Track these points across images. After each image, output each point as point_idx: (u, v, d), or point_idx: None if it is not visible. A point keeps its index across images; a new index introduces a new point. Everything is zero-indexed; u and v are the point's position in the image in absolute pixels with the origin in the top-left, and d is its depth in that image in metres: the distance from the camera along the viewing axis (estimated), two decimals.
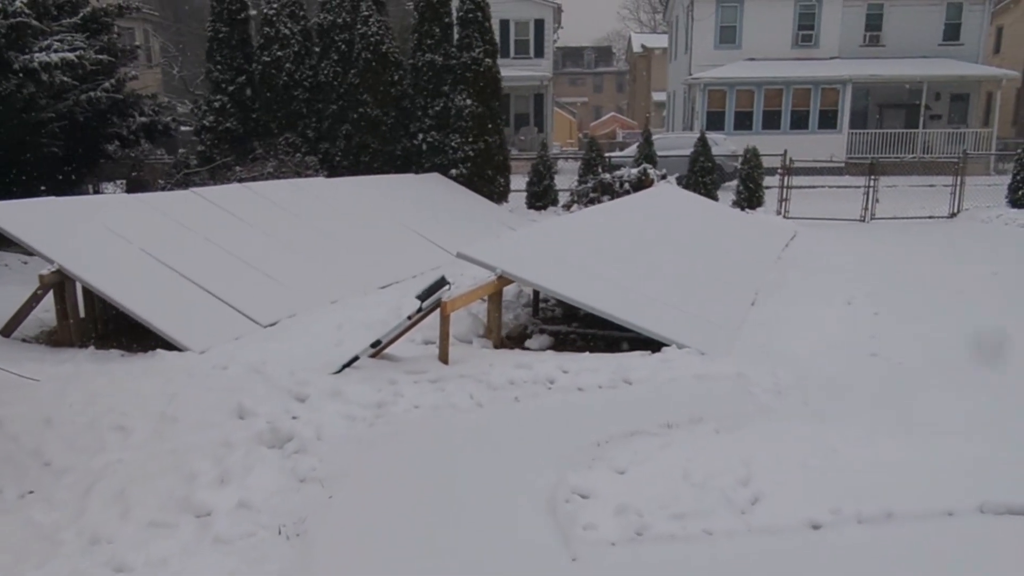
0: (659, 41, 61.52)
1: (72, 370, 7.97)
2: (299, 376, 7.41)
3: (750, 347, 8.47)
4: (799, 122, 35.47)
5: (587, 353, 8.27)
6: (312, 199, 13.77)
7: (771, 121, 35.55)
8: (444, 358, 7.77)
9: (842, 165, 30.84)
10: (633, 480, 5.09)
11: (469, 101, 19.58)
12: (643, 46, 66.72)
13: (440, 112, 20.02)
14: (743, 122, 35.67)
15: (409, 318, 7.63)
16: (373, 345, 7.69)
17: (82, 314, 9.28)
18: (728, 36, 37.10)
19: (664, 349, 8.07)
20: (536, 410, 6.61)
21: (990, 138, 35.19)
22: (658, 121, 59.05)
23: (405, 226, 14.76)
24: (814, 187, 26.66)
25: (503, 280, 8.55)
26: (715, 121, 35.10)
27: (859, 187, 26.08)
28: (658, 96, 59.31)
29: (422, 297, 7.52)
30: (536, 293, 10.15)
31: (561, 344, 8.98)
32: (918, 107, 35.51)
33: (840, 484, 4.84)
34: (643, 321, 8.36)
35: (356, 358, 7.65)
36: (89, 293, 9.12)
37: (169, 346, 8.51)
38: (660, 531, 4.45)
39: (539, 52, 40.16)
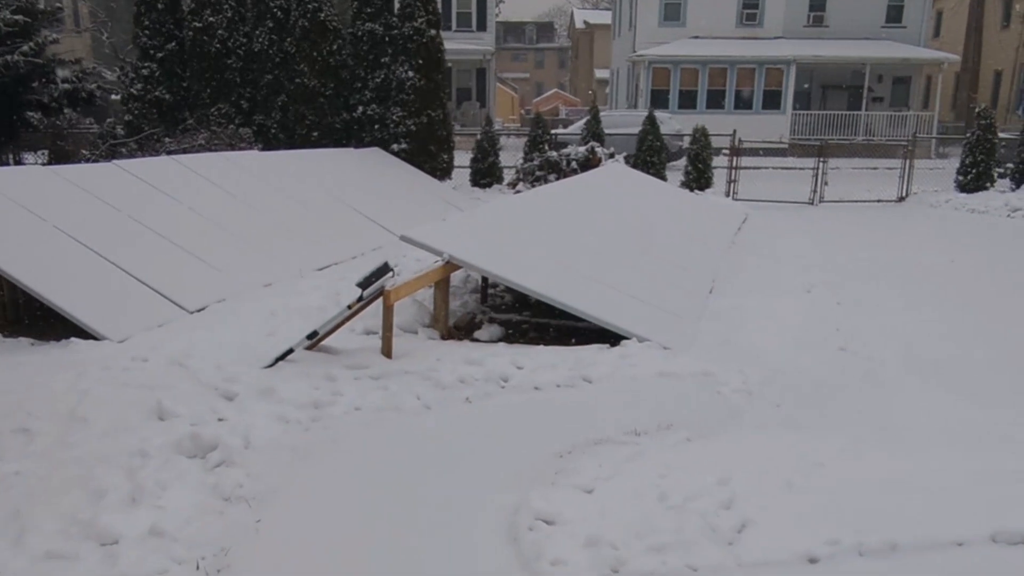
0: (602, 17, 61.01)
1: None
2: (227, 371, 6.73)
3: (712, 341, 7.99)
4: (743, 102, 35.32)
5: (541, 346, 7.71)
6: (245, 174, 12.97)
7: (715, 100, 35.33)
8: (387, 351, 7.14)
9: (786, 146, 30.67)
10: (602, 501, 4.53)
11: (411, 73, 18.79)
12: (586, 22, 66.18)
13: (381, 84, 19.20)
14: (688, 101, 35.36)
15: (349, 307, 6.98)
16: (309, 337, 7.03)
17: None
18: (673, 13, 36.70)
19: (624, 342, 7.55)
20: (490, 413, 6.03)
21: (931, 121, 35.33)
22: (601, 99, 58.56)
23: (345, 204, 14.02)
24: (760, 168, 26.33)
25: (450, 266, 7.94)
26: (660, 99, 34.70)
27: (804, 168, 25.94)
28: (601, 73, 58.83)
29: (363, 285, 6.87)
30: (485, 279, 9.55)
31: (513, 334, 8.41)
32: (861, 89, 35.49)
33: (833, 507, 4.33)
34: (601, 312, 7.81)
35: (291, 351, 6.99)
36: None
37: (85, 335, 7.76)
38: (638, 568, 3.88)
39: (481, 25, 39.28)
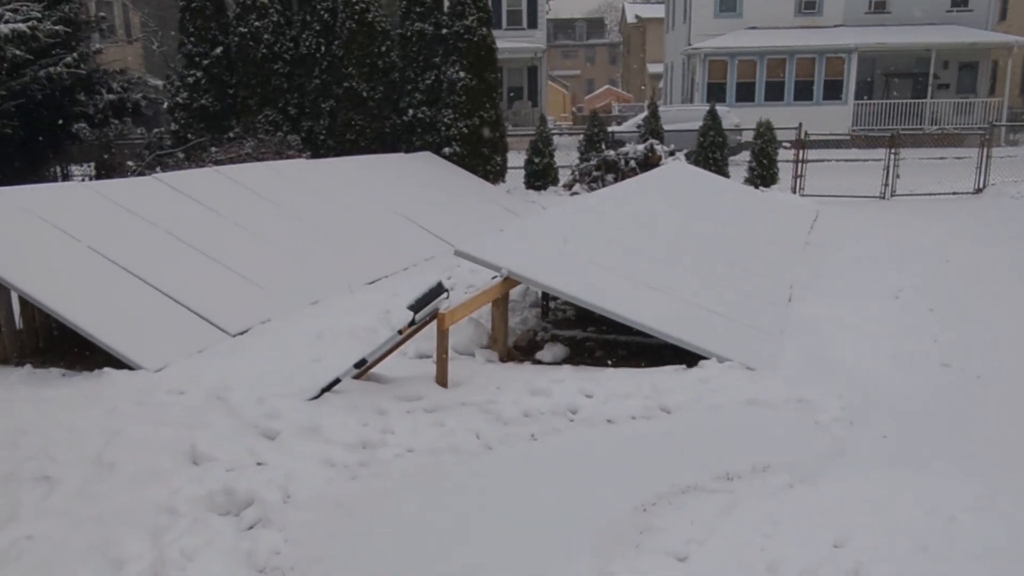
0: (654, 11, 59.97)
1: (0, 396, 6.70)
2: (269, 405, 6.13)
3: (800, 359, 7.23)
4: (803, 93, 34.22)
5: (610, 369, 7.02)
6: (292, 183, 12.43)
7: (774, 92, 34.28)
8: (442, 380, 6.50)
9: (847, 137, 29.58)
10: (700, 573, 3.83)
11: (462, 73, 18.14)
12: (637, 16, 65.24)
13: (431, 86, 18.60)
14: (745, 94, 34.35)
15: (400, 332, 6.34)
16: (357, 365, 6.41)
17: (19, 325, 7.96)
18: (728, 4, 35.74)
19: (702, 363, 6.83)
20: (559, 453, 5.34)
21: (1000, 107, 33.92)
22: (650, 95, 57.56)
23: (395, 212, 13.44)
24: (822, 161, 25.31)
25: (509, 282, 7.28)
26: (716, 93, 33.75)
27: (868, 160, 24.91)
28: (654, 68, 57.85)
29: (415, 307, 6.24)
30: (546, 293, 8.87)
31: (577, 353, 7.72)
32: (926, 76, 34.23)
33: None
34: (676, 329, 7.09)
35: (337, 380, 6.38)
36: (27, 301, 7.79)
37: (120, 364, 7.22)
38: None
39: (532, 23, 38.56)
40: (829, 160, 26.75)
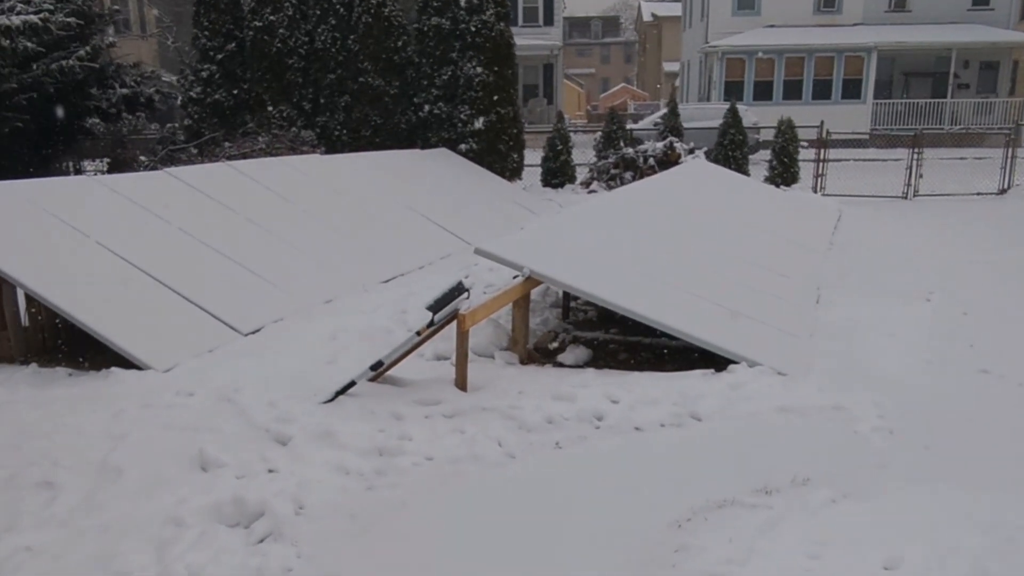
0: (670, 9, 59.53)
1: (4, 397, 6.48)
2: (281, 408, 5.89)
3: (833, 363, 6.94)
4: (822, 92, 33.86)
5: (635, 372, 6.76)
6: (306, 179, 12.19)
7: (792, 91, 33.93)
8: (462, 383, 6.24)
9: (866, 137, 29.17)
10: None
11: (480, 69, 17.87)
12: (653, 15, 64.81)
13: (448, 81, 18.33)
14: (763, 92, 34.00)
15: (418, 334, 6.08)
16: (373, 368, 6.15)
17: (25, 323, 7.73)
18: (747, 2, 35.45)
19: (731, 367, 6.55)
20: (585, 463, 5.07)
21: (1021, 108, 33.44)
22: (669, 92, 57.23)
23: (411, 209, 13.18)
24: (843, 160, 24.96)
25: (531, 282, 7.02)
26: (733, 91, 33.33)
27: (887, 160, 24.54)
28: (670, 67, 57.48)
29: (434, 308, 5.98)
30: (567, 293, 8.60)
31: (600, 355, 7.44)
32: (946, 76, 33.82)
33: None
34: (704, 332, 6.81)
35: (352, 383, 6.12)
36: (33, 298, 7.55)
37: (128, 363, 6.99)
38: None
39: (548, 20, 38.28)
40: (848, 160, 26.43)
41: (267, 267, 9.28)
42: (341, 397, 6.09)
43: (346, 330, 7.89)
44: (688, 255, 8.99)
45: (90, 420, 5.86)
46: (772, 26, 34.75)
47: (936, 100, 33.62)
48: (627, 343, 7.77)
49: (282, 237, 10.16)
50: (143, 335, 7.25)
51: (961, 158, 26.79)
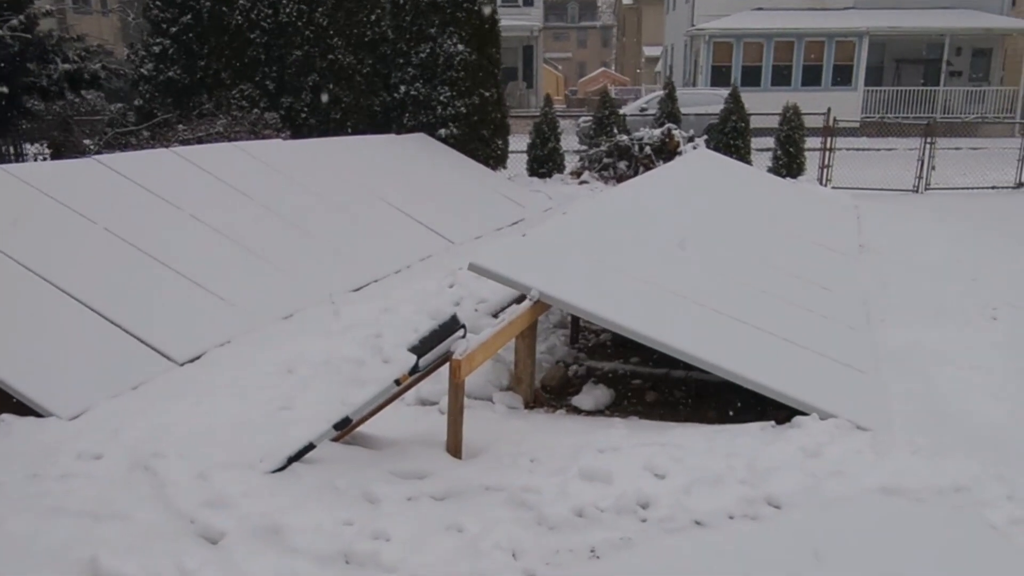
0: None
1: None
2: (214, 483, 4.39)
3: (913, 410, 5.56)
4: (811, 78, 32.58)
5: (674, 424, 5.29)
6: (265, 168, 10.59)
7: (781, 76, 32.65)
8: (455, 448, 4.73)
9: (856, 125, 27.86)
10: None
11: (461, 47, 16.25)
12: None
13: (426, 60, 16.69)
14: (751, 78, 32.61)
15: (397, 382, 4.57)
16: (337, 427, 4.63)
17: None
18: None
19: (797, 419, 5.10)
20: None
21: (1014, 97, 32.34)
22: (650, 77, 55.83)
23: (385, 202, 11.62)
24: (850, 149, 23.68)
25: (540, 306, 5.54)
26: (720, 76, 32.04)
27: (881, 150, 23.38)
28: (650, 51, 56.05)
29: (419, 350, 4.49)
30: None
31: (622, 394, 6.01)
32: (937, 63, 32.63)
33: None
34: (763, 374, 5.33)
35: (311, 447, 4.62)
36: None
37: (25, 409, 5.45)
38: None
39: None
40: (842, 149, 25.18)
41: (212, 275, 7.71)
42: (296, 464, 4.59)
43: (306, 359, 6.37)
44: (715, 266, 7.52)
45: None
46: (760, 9, 33.43)
47: (928, 88, 32.43)
48: (653, 376, 6.33)
49: (233, 238, 8.60)
50: (45, 370, 5.70)
51: (956, 148, 25.61)
